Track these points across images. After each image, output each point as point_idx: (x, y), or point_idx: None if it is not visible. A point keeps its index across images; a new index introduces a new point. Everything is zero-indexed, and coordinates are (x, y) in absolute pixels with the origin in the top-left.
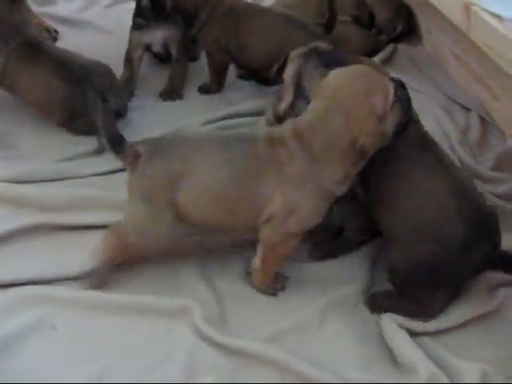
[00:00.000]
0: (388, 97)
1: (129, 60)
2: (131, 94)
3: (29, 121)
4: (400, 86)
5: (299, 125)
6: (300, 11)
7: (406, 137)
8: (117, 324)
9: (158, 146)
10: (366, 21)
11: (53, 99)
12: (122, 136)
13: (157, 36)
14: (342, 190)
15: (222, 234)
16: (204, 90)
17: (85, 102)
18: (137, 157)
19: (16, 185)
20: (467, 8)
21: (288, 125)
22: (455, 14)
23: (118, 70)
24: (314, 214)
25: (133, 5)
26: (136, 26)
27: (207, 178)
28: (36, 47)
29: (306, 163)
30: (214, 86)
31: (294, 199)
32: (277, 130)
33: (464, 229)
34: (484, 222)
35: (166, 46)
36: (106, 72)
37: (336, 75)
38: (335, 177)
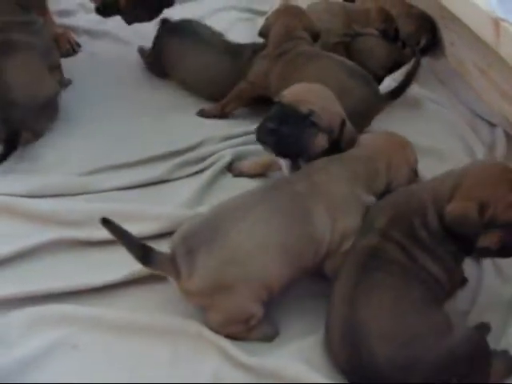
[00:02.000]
0: (414, 153)
1: None
2: None
3: (50, 133)
4: None
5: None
6: (326, 22)
7: None
8: (140, 344)
9: (193, 241)
10: (392, 35)
11: None
12: (145, 245)
13: None
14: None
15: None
16: (205, 113)
17: None
18: (176, 264)
19: (36, 200)
20: (497, 24)
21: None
22: (484, 30)
23: (134, 78)
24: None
25: None
26: None
27: (260, 237)
28: None
29: (347, 184)
30: (220, 110)
31: (344, 224)
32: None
33: None
34: None
35: None
36: None
37: (370, 135)
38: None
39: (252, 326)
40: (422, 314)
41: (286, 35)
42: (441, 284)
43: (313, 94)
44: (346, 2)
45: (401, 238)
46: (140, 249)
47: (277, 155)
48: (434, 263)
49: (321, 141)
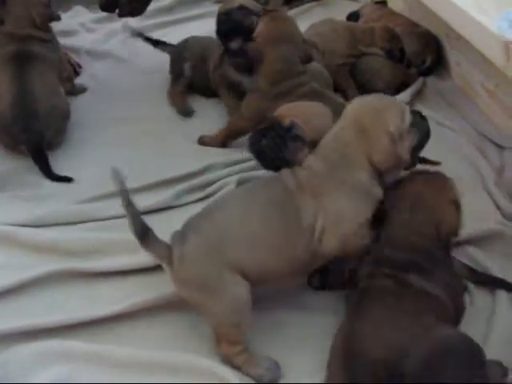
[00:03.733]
0: (404, 119)
1: None
2: None
3: (50, 159)
4: (419, 115)
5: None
6: (330, 42)
7: None
8: (145, 381)
9: (188, 227)
10: (398, 55)
11: None
12: (146, 224)
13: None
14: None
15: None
16: (205, 142)
17: None
18: (169, 248)
19: (36, 229)
20: (507, 48)
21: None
22: (494, 53)
23: (135, 100)
24: (358, 213)
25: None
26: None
27: (249, 224)
28: None
29: (330, 173)
30: (219, 143)
31: (334, 207)
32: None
33: None
34: None
35: None
36: None
37: (356, 100)
38: (364, 179)
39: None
40: (416, 318)
41: (285, 73)
42: (445, 307)
43: (300, 108)
44: (350, 22)
45: (391, 271)
46: (140, 224)
47: (264, 168)
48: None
49: (304, 154)
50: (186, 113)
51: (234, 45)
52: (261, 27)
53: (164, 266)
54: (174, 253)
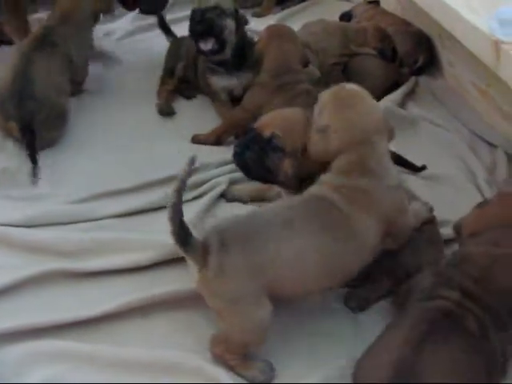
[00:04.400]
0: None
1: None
2: None
3: (42, 159)
4: None
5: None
6: (323, 42)
7: None
8: (137, 380)
9: (229, 236)
10: (390, 54)
11: None
12: (188, 229)
13: (237, 82)
14: None
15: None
16: (199, 140)
17: None
18: (206, 253)
19: (30, 230)
20: (497, 47)
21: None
22: (484, 53)
23: (126, 102)
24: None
25: (143, 36)
26: (214, 72)
27: (300, 250)
28: None
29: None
30: (215, 139)
31: (390, 202)
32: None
33: None
34: None
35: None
36: None
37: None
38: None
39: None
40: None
41: (285, 66)
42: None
43: (279, 118)
44: (342, 22)
45: (476, 308)
46: (180, 226)
47: (250, 179)
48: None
49: (287, 164)
50: (166, 113)
51: (206, 45)
52: (264, 32)
53: (195, 268)
54: (210, 260)
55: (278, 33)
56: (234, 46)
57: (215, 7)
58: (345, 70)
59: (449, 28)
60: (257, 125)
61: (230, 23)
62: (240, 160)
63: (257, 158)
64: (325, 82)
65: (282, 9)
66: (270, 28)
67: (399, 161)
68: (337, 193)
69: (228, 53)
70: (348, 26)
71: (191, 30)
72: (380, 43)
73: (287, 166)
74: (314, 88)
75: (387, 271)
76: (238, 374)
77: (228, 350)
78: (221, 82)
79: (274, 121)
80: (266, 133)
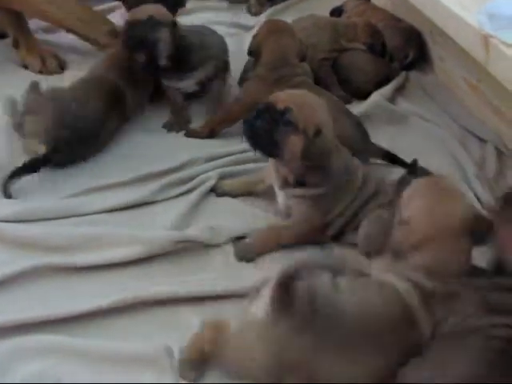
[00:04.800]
0: None
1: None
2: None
3: None
4: None
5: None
6: (313, 37)
7: None
8: (126, 375)
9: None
10: (380, 49)
11: None
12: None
13: (186, 82)
14: None
15: None
16: (193, 133)
17: None
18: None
19: (21, 225)
20: (486, 41)
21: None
22: (473, 47)
23: None
24: None
25: None
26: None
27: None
28: None
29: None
30: (209, 130)
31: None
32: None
33: None
34: None
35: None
36: None
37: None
38: None
39: None
40: None
41: (283, 60)
42: None
43: (296, 96)
44: (332, 17)
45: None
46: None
47: (254, 150)
48: None
49: (295, 140)
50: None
51: (140, 58)
52: (262, 27)
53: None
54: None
55: (276, 27)
56: (171, 53)
57: (150, 18)
58: (335, 65)
59: (441, 25)
60: (272, 98)
61: (164, 34)
62: (249, 128)
63: (267, 128)
64: (314, 76)
65: (273, 4)
66: (268, 22)
67: (389, 157)
68: None
69: (165, 61)
70: (338, 21)
71: (123, 41)
72: (370, 38)
73: (295, 144)
74: (310, 80)
75: None
76: None
77: None
78: (171, 84)
79: (291, 97)
80: (281, 106)
